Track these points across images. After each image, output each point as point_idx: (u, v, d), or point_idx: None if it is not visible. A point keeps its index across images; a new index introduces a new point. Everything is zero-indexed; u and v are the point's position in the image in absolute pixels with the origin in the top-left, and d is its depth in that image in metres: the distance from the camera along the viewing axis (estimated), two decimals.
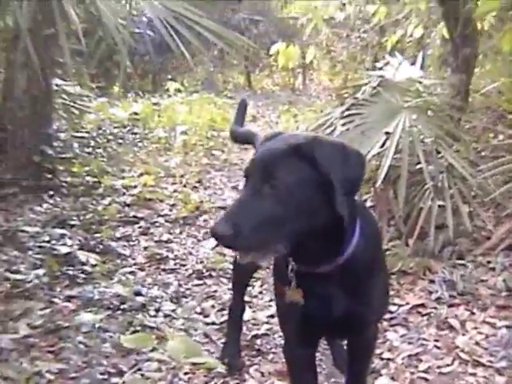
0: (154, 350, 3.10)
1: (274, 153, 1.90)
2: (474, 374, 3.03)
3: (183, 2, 5.59)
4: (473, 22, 4.90)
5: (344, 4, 13.38)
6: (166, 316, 3.62)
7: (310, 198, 1.86)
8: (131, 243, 4.87)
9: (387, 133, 4.42)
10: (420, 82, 5.47)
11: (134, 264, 4.46)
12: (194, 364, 2.89)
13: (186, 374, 3.05)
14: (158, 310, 3.68)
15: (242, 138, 3.45)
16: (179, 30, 5.34)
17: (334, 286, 2.09)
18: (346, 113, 4.94)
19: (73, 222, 4.97)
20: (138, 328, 3.43)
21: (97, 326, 3.37)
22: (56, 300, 3.73)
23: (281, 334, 2.87)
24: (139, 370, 3.00)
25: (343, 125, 4.77)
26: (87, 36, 5.63)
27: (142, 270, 4.38)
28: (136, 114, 9.49)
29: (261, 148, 2.01)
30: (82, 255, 4.24)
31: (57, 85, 6.73)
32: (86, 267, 4.15)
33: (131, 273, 4.26)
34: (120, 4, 5.61)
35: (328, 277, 2.06)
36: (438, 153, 4.54)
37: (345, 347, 2.68)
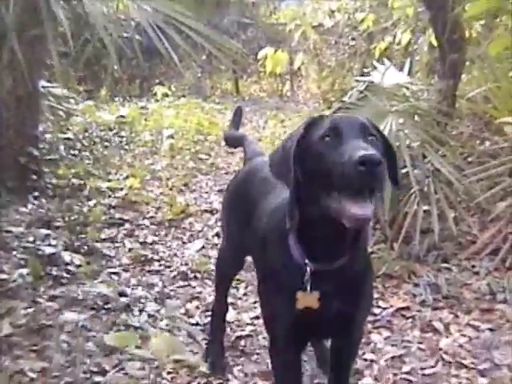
0: (137, 348, 3.08)
1: (361, 119, 1.95)
2: (456, 376, 3.05)
3: (171, 3, 5.56)
4: (460, 27, 4.93)
5: (333, 11, 13.46)
6: (149, 316, 3.59)
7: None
8: (116, 245, 4.85)
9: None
10: (407, 88, 5.49)
11: (119, 265, 4.44)
12: (177, 362, 2.88)
13: (169, 373, 3.04)
14: (142, 311, 3.66)
15: (234, 141, 3.54)
16: (167, 32, 5.31)
17: (333, 286, 2.09)
18: None
19: (58, 224, 4.94)
20: (122, 328, 3.41)
21: (80, 324, 3.35)
22: (40, 300, 3.69)
23: (265, 335, 2.85)
24: (122, 369, 2.99)
25: None
26: (74, 38, 5.60)
27: (126, 271, 4.36)
28: (123, 117, 9.47)
29: (335, 116, 2.03)
30: (67, 256, 4.21)
31: (43, 87, 6.70)
32: (70, 267, 4.11)
33: (116, 273, 4.24)
34: (107, 6, 5.57)
35: (331, 275, 2.07)
36: (425, 157, 4.56)
37: (328, 348, 2.67)
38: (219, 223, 4.39)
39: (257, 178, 2.71)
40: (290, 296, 2.11)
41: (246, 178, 2.84)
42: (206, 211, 5.78)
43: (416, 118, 4.95)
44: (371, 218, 1.81)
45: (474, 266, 4.14)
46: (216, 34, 5.88)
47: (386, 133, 4.30)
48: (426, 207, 4.36)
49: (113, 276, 4.17)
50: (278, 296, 2.18)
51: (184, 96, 12.64)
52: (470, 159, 5.12)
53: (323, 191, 1.85)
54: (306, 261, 2.05)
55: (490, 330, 3.45)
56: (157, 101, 11.85)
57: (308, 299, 2.09)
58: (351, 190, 1.76)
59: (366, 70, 6.59)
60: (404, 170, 4.27)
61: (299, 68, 13.69)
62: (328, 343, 2.71)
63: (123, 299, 3.75)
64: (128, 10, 5.49)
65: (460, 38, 4.95)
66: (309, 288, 2.07)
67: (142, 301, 3.80)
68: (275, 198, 2.38)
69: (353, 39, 12.56)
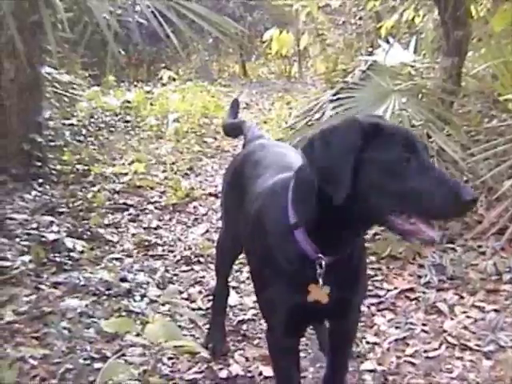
0: (138, 335, 3.06)
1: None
2: (460, 358, 3.01)
3: None
4: (465, 4, 4.85)
5: None
6: (151, 302, 3.58)
7: None
8: (120, 230, 4.84)
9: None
10: (412, 66, 5.43)
11: (122, 251, 4.43)
12: (177, 348, 2.86)
13: (169, 359, 3.04)
14: (143, 296, 3.65)
15: (233, 129, 3.53)
16: (170, 18, 5.26)
17: (335, 275, 2.08)
18: (336, 97, 4.90)
19: (61, 210, 4.94)
20: (123, 313, 3.41)
21: (80, 311, 3.34)
22: (42, 286, 3.70)
23: None
24: (123, 355, 2.96)
25: (333, 108, 4.73)
26: (74, 23, 5.57)
27: (129, 256, 4.34)
28: (128, 102, 9.44)
29: (402, 128, 2.08)
30: (70, 242, 4.21)
31: (48, 73, 6.68)
32: (73, 254, 4.12)
33: (118, 259, 4.23)
34: None
35: (336, 266, 2.07)
36: (429, 137, 4.50)
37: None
38: None
39: (250, 162, 2.69)
40: (296, 287, 2.10)
41: (242, 161, 2.82)
42: (210, 194, 5.75)
43: (420, 96, 4.88)
44: None
45: (480, 246, 4.09)
46: (221, 18, 5.82)
47: (388, 112, 4.30)
48: None
49: (115, 262, 4.16)
50: (279, 286, 2.14)
51: (191, 80, 12.57)
52: (477, 138, 5.05)
53: (393, 207, 1.86)
54: (320, 255, 2.04)
55: (496, 311, 3.40)
56: (163, 85, 11.80)
57: (319, 293, 2.09)
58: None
59: (370, 50, 6.50)
60: None
61: (307, 49, 13.60)
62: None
63: (125, 285, 3.74)
64: None
65: (464, 15, 4.87)
66: (321, 282, 2.06)
67: (144, 286, 3.79)
68: (265, 181, 2.37)
69: (360, 18, 12.45)
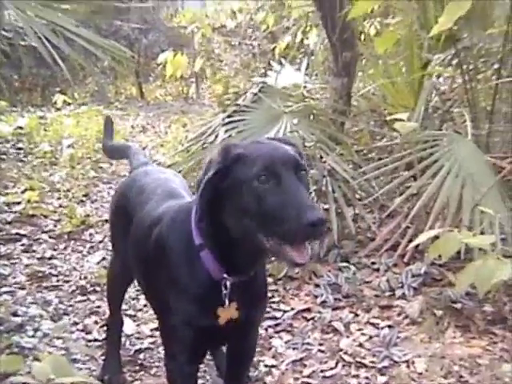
0: (29, 373, 2.95)
1: (290, 150, 1.97)
2: (356, 376, 3.06)
3: (62, 13, 5.37)
4: (351, 26, 4.96)
5: (234, 12, 13.46)
6: (45, 336, 3.45)
7: None
8: (12, 261, 4.66)
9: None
10: (304, 87, 5.50)
11: (14, 283, 4.27)
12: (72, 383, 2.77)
13: None
14: (36, 330, 3.50)
15: (116, 152, 3.49)
16: (56, 44, 5.13)
17: (241, 295, 2.10)
18: (228, 119, 4.92)
19: None
20: (15, 350, 3.27)
21: None
22: None
23: None
24: None
25: (226, 131, 4.74)
26: None
27: (22, 288, 4.18)
28: (21, 128, 9.16)
29: (265, 149, 1.96)
30: None
31: None
32: None
33: (10, 292, 4.07)
34: None
35: (242, 286, 2.09)
36: (321, 157, 4.57)
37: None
38: None
39: (134, 188, 2.69)
40: (205, 311, 2.11)
41: (125, 188, 2.81)
42: (107, 221, 5.61)
43: (312, 117, 4.95)
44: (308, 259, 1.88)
45: (373, 263, 4.16)
46: (110, 42, 5.71)
47: (280, 134, 4.34)
48: (324, 206, 4.36)
49: (6, 296, 4.00)
50: (186, 311, 2.14)
51: (85, 104, 12.35)
52: (368, 156, 5.16)
53: (259, 229, 1.87)
54: (225, 275, 2.05)
55: (389, 326, 3.47)
56: (57, 109, 11.53)
57: (229, 312, 2.11)
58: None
59: (263, 71, 6.57)
60: None
61: (204, 70, 13.64)
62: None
63: (16, 319, 3.58)
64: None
65: (351, 36, 4.98)
66: (227, 301, 2.08)
67: (37, 320, 3.63)
68: (154, 208, 2.38)
69: (255, 40, 12.59)
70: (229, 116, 4.97)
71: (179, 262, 2.14)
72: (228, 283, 2.05)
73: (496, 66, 4.58)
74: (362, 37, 6.58)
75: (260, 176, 1.85)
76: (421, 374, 3.04)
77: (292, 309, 3.74)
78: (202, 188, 1.95)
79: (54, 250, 4.99)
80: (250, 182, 1.86)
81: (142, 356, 3.37)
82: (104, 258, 4.78)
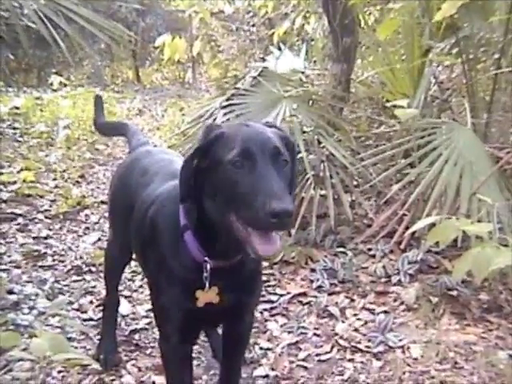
0: (25, 349, 2.95)
1: (272, 136, 1.91)
2: (351, 360, 3.07)
3: None
4: (352, 12, 4.95)
5: None
6: (40, 314, 3.45)
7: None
8: (7, 240, 4.65)
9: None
10: (303, 73, 5.49)
11: (10, 262, 4.26)
12: (67, 361, 2.77)
13: (59, 372, 2.95)
14: (32, 308, 3.51)
15: (111, 130, 3.49)
16: (57, 22, 5.10)
17: (229, 280, 2.10)
18: (227, 103, 4.90)
19: None
20: (11, 327, 3.27)
21: None
22: None
23: None
24: (10, 370, 2.85)
25: (224, 115, 4.73)
26: None
27: (17, 267, 4.17)
28: (17, 108, 9.12)
29: (245, 133, 1.91)
30: None
31: None
32: None
33: (5, 270, 4.06)
34: None
35: (228, 270, 2.08)
36: (320, 142, 4.56)
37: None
38: None
39: (137, 169, 2.67)
40: (187, 292, 2.09)
41: (127, 168, 2.79)
42: (102, 202, 5.61)
43: (311, 102, 4.94)
44: (275, 252, 1.84)
45: (370, 249, 4.18)
46: (112, 24, 5.69)
47: (279, 118, 4.33)
48: (322, 192, 4.36)
49: (2, 273, 3.99)
50: (172, 292, 2.14)
51: (82, 85, 12.31)
52: (366, 143, 5.15)
53: (232, 212, 1.84)
54: (206, 258, 2.04)
55: (385, 312, 3.48)
56: (54, 91, 11.49)
57: (208, 295, 2.09)
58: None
59: (263, 56, 6.56)
60: (299, 156, 4.25)
61: (200, 55, 13.59)
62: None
63: (12, 297, 3.59)
64: None
65: (352, 22, 4.97)
66: (207, 285, 2.06)
67: (33, 298, 3.64)
68: (155, 189, 2.36)
69: (253, 25, 12.54)
70: (227, 99, 4.96)
71: (166, 242, 2.15)
72: (208, 266, 2.04)
73: (496, 56, 4.57)
74: (363, 23, 6.57)
75: (235, 159, 1.83)
76: (416, 359, 3.05)
77: (288, 293, 3.75)
78: (182, 166, 1.95)
79: (50, 229, 4.99)
80: (226, 164, 1.84)
81: (137, 336, 3.37)
82: (99, 239, 4.78)
